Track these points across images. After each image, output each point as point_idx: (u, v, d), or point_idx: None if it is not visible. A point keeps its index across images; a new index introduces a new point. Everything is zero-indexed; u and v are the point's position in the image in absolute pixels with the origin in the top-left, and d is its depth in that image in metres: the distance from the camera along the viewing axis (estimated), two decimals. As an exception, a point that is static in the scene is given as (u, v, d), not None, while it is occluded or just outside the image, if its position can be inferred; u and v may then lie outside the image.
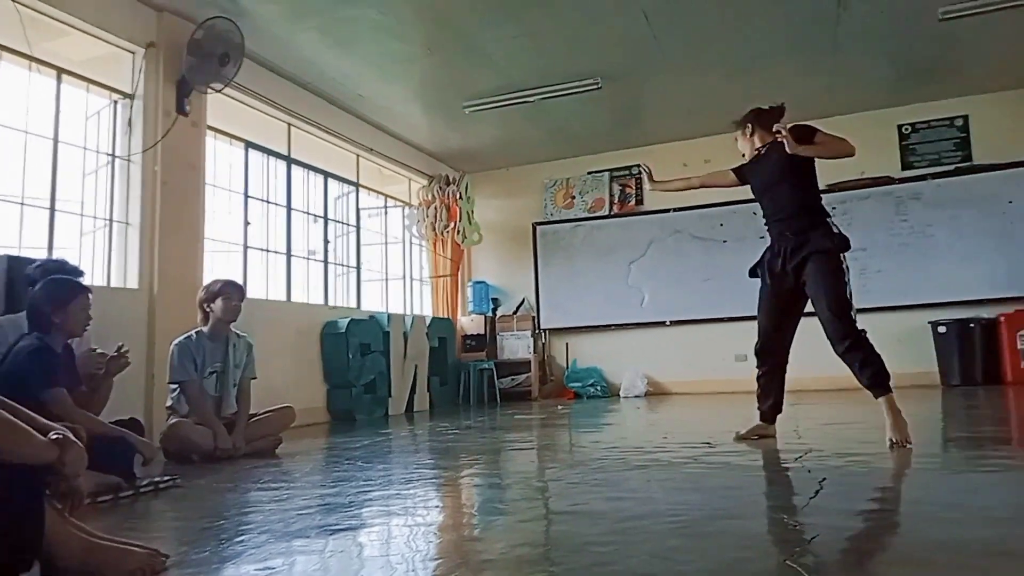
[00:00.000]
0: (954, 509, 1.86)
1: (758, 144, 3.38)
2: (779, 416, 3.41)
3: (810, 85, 6.63)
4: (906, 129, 7.31)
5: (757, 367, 3.40)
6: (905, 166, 7.27)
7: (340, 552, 1.71)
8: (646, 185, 3.89)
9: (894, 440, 2.86)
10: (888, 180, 7.17)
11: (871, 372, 2.95)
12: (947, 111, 7.19)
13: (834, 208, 3.33)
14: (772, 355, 3.34)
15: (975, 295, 6.81)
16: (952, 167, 7.12)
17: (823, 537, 1.59)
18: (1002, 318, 6.49)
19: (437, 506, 2.30)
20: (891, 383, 2.95)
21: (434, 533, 1.90)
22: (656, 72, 6.17)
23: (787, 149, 3.05)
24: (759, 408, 3.40)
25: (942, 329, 6.66)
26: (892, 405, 2.93)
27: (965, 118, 7.15)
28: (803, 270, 3.12)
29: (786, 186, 3.22)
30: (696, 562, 1.46)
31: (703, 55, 5.89)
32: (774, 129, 3.15)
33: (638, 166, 8.25)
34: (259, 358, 3.93)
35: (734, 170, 3.52)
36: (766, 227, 3.37)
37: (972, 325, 6.56)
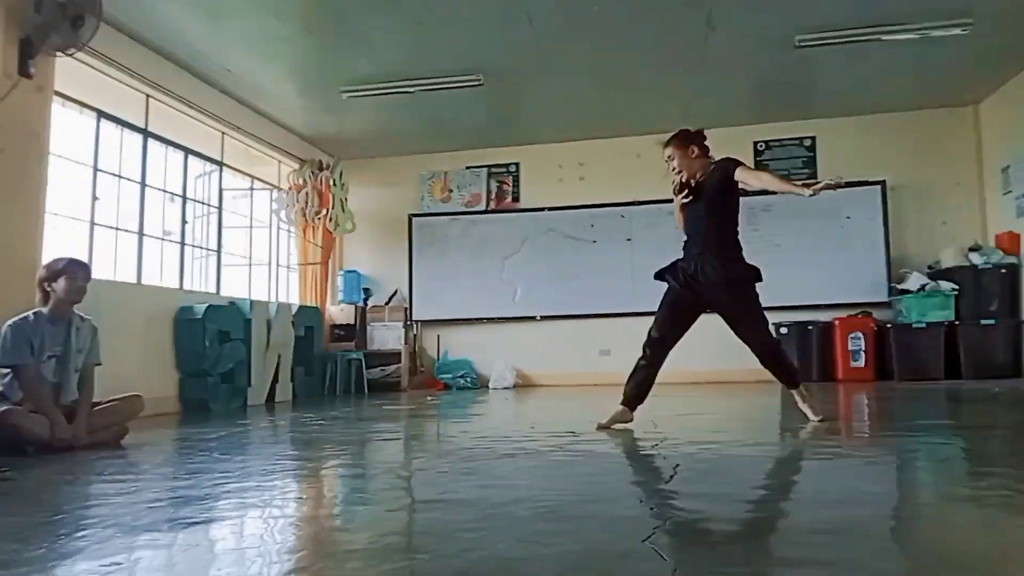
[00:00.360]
0: (792, 492, 2.03)
1: (698, 169, 3.49)
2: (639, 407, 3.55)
3: (679, 98, 7.00)
4: (761, 146, 7.88)
5: (644, 356, 3.49)
6: (759, 179, 7.83)
7: (194, 546, 1.61)
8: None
9: (818, 419, 3.45)
10: (743, 192, 7.69)
11: (788, 375, 3.55)
12: (797, 131, 7.82)
13: (731, 204, 3.56)
14: (660, 348, 3.47)
15: (814, 300, 7.45)
16: (800, 183, 7.74)
17: (677, 519, 1.69)
18: (836, 322, 7.14)
19: (299, 497, 2.23)
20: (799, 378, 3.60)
21: (295, 525, 1.84)
22: (537, 74, 6.28)
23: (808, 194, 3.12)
24: (627, 392, 3.51)
25: (784, 331, 7.22)
26: (802, 394, 3.57)
27: (813, 139, 7.81)
28: (719, 295, 3.40)
29: (714, 220, 3.45)
30: (561, 545, 1.50)
31: (582, 62, 6.07)
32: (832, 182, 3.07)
33: (516, 164, 8.42)
34: (105, 343, 3.63)
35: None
36: (685, 244, 3.53)
37: (810, 328, 7.17)
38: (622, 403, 3.52)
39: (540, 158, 8.31)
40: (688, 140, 3.54)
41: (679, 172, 3.53)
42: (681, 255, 3.54)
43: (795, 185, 3.25)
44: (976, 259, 6.83)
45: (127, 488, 2.29)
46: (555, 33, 5.47)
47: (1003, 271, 6.71)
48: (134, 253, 5.42)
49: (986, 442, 2.85)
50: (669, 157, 3.55)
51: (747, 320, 3.43)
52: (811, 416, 3.49)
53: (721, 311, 3.45)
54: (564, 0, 4.97)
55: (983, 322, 6.69)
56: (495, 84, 6.41)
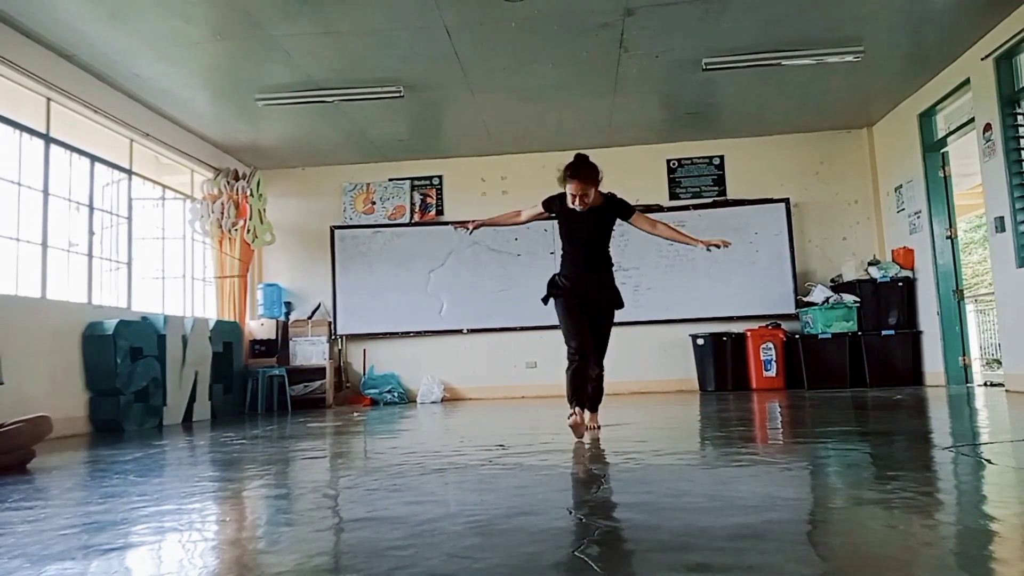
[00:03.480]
0: (712, 499, 2.10)
1: (590, 199, 3.62)
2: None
3: (595, 118, 7.18)
4: (673, 164, 8.16)
5: (576, 363, 3.69)
6: (672, 196, 8.12)
7: (109, 575, 1.54)
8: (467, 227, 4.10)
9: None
10: (658, 208, 7.96)
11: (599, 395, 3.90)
12: (707, 151, 8.15)
13: (613, 230, 3.83)
14: (586, 361, 3.72)
15: (727, 312, 7.75)
16: (710, 200, 8.07)
17: (605, 529, 1.73)
18: (748, 333, 7.44)
19: (221, 520, 2.15)
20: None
21: (218, 549, 1.78)
22: (457, 88, 6.31)
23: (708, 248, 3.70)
24: (578, 400, 3.71)
25: (700, 341, 7.48)
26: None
27: (721, 158, 8.15)
28: (596, 305, 3.77)
29: (598, 242, 3.79)
30: (493, 559, 1.51)
31: (501, 78, 6.14)
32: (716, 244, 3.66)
33: (439, 176, 8.42)
34: (8, 361, 3.43)
35: (546, 206, 3.83)
36: (565, 259, 3.84)
37: (724, 339, 7.45)
38: (582, 407, 3.75)
39: (463, 171, 8.35)
40: (594, 178, 3.63)
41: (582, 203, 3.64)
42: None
43: (689, 237, 3.73)
44: (875, 273, 7.27)
45: (35, 515, 2.16)
46: (474, 48, 5.53)
47: (900, 284, 7.17)
48: (38, 266, 5.12)
49: (890, 447, 3.03)
50: (583, 195, 3.61)
51: (598, 332, 3.81)
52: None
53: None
54: (482, 16, 5.03)
55: (884, 332, 7.12)
56: (416, 96, 6.41)
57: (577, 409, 3.64)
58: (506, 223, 4.11)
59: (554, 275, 3.86)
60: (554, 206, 3.78)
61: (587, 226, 3.74)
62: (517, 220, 3.98)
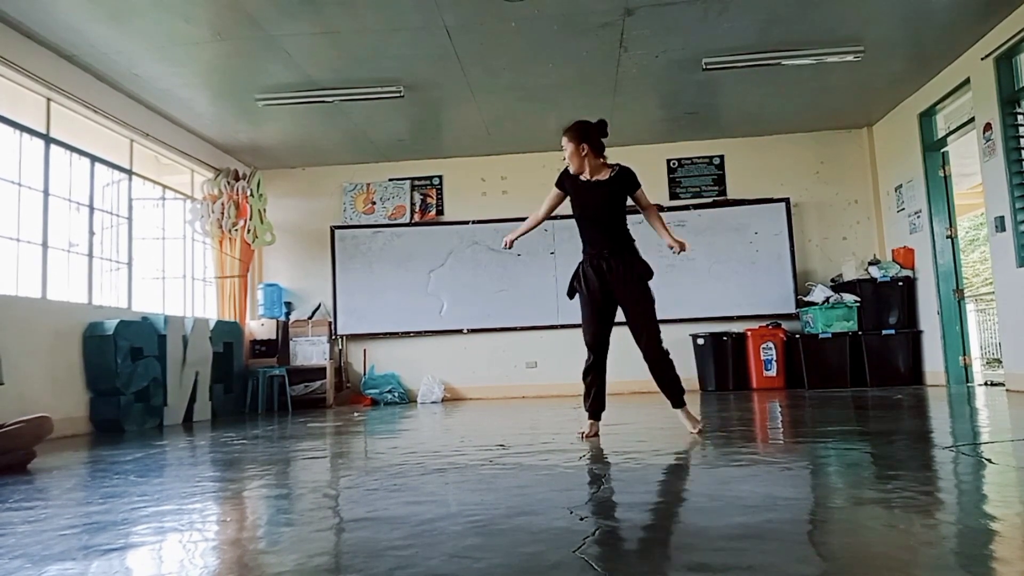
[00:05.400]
0: (712, 499, 2.10)
1: (587, 167, 3.63)
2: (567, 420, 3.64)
3: (596, 116, 7.14)
4: (673, 164, 8.17)
5: (589, 370, 3.69)
6: (672, 196, 8.13)
7: (112, 574, 1.54)
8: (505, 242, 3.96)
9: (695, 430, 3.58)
10: (659, 207, 7.96)
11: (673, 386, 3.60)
12: (707, 151, 8.15)
13: (627, 206, 3.77)
14: (602, 356, 3.68)
15: (727, 312, 7.76)
16: (711, 200, 8.07)
17: (605, 529, 1.73)
18: (748, 332, 7.44)
19: (221, 520, 2.15)
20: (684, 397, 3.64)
21: (218, 549, 1.78)
22: (457, 88, 6.31)
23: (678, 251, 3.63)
24: (590, 408, 3.69)
25: (700, 341, 7.48)
26: (687, 412, 3.67)
27: (721, 158, 8.15)
28: (621, 289, 3.58)
29: (610, 217, 3.63)
30: (493, 558, 1.52)
31: (502, 78, 6.14)
32: (680, 249, 3.59)
33: (439, 176, 8.42)
34: (9, 362, 3.43)
35: (558, 185, 3.77)
36: (583, 240, 3.71)
37: (725, 338, 7.45)
38: (593, 419, 3.69)
39: (463, 171, 8.35)
40: (575, 136, 3.63)
41: (572, 162, 3.65)
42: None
43: (665, 231, 3.68)
44: (875, 272, 7.27)
45: (35, 515, 2.16)
46: (475, 48, 5.53)
47: (900, 284, 7.17)
48: (38, 266, 5.13)
49: (890, 446, 3.03)
50: (569, 153, 3.67)
51: (636, 317, 3.61)
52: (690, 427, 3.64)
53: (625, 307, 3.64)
54: (482, 16, 5.03)
55: (884, 332, 7.12)
56: (416, 96, 6.41)
57: (590, 423, 3.64)
58: (534, 225, 3.93)
59: (579, 264, 3.73)
60: (564, 181, 3.73)
61: (595, 199, 3.63)
62: (540, 217, 3.86)
